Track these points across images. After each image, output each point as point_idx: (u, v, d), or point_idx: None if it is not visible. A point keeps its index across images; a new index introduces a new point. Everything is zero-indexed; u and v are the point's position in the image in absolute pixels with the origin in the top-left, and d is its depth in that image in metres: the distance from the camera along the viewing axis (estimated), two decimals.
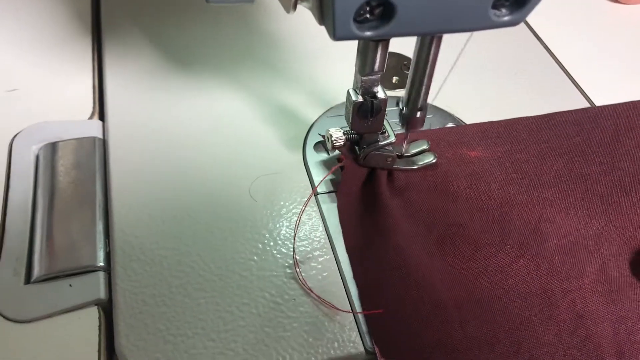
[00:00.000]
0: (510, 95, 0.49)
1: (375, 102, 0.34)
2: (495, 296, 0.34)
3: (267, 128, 0.43)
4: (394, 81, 0.49)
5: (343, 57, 0.48)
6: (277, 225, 0.37)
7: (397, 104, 0.36)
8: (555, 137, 0.42)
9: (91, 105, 0.44)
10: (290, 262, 0.35)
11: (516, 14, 0.28)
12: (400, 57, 0.50)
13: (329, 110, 0.45)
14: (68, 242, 0.35)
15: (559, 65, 0.52)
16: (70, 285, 0.33)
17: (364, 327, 0.33)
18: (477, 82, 0.49)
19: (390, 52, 0.31)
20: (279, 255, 0.36)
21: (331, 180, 0.40)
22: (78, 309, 0.33)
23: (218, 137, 0.42)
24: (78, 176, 0.39)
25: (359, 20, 0.26)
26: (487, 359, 0.32)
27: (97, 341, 0.32)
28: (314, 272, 0.35)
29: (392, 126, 0.37)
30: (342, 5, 0.25)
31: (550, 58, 0.53)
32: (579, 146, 0.41)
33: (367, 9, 0.26)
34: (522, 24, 0.49)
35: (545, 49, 0.54)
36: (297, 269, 0.35)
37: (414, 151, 0.40)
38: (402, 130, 0.37)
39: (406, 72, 0.49)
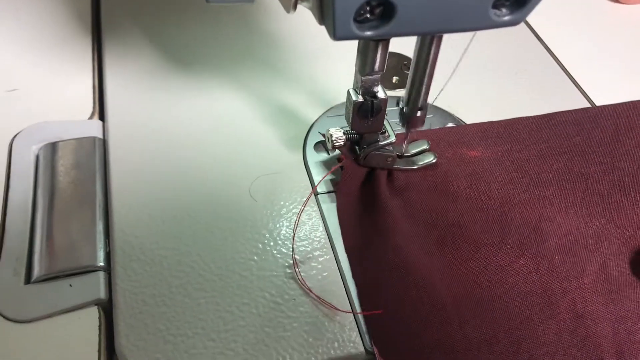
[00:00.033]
0: (511, 95, 0.49)
1: (375, 102, 0.34)
2: (495, 295, 0.34)
3: (267, 128, 0.43)
4: (394, 81, 0.49)
5: (343, 57, 0.48)
6: (277, 225, 0.37)
7: (398, 104, 0.36)
8: (555, 136, 0.42)
9: (91, 105, 0.44)
10: (291, 262, 0.35)
11: (516, 14, 0.27)
12: (400, 57, 0.50)
13: (329, 110, 0.45)
14: (68, 242, 0.35)
15: (559, 65, 0.52)
16: (70, 285, 0.33)
17: (364, 327, 0.33)
18: (477, 82, 0.49)
19: (390, 52, 0.31)
20: (279, 255, 0.36)
21: (331, 180, 0.40)
22: (78, 309, 0.33)
23: (218, 137, 0.42)
24: (78, 176, 0.39)
25: (359, 20, 0.26)
26: (487, 359, 0.32)
27: (97, 341, 0.31)
28: (314, 272, 0.35)
29: (392, 126, 0.37)
30: (342, 5, 0.24)
31: (551, 58, 0.53)
32: (579, 146, 0.41)
33: (367, 8, 0.26)
34: (523, 24, 0.49)
35: (546, 48, 0.54)
36: (297, 269, 0.35)
37: (414, 151, 0.40)
38: (403, 130, 0.37)
39: (406, 72, 0.49)
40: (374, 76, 0.33)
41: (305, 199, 0.39)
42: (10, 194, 0.37)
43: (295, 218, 0.38)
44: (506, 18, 0.28)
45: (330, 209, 0.38)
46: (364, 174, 0.38)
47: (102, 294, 0.33)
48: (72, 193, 0.38)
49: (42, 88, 0.45)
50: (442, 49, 0.32)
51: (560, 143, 0.42)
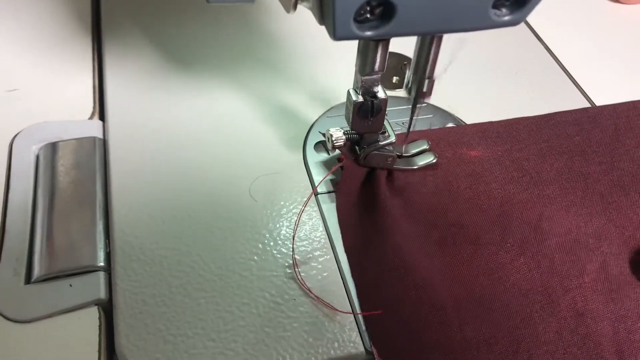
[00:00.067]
0: (511, 95, 0.49)
1: (375, 101, 0.34)
2: (495, 294, 0.34)
3: (267, 128, 0.43)
4: (394, 81, 0.49)
5: (343, 57, 0.48)
6: (277, 225, 0.37)
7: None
8: (555, 136, 0.42)
9: (91, 105, 0.44)
10: (291, 262, 0.35)
11: (516, 14, 0.27)
12: (400, 57, 0.50)
13: (329, 110, 0.45)
14: (68, 242, 0.35)
15: (559, 65, 0.52)
16: (70, 285, 0.33)
17: (364, 327, 0.33)
18: (477, 82, 0.49)
19: (390, 52, 0.31)
20: (279, 255, 0.36)
21: (331, 180, 0.40)
22: (78, 309, 0.33)
23: (218, 137, 0.42)
24: (78, 176, 0.39)
25: (359, 20, 0.26)
26: (486, 359, 0.32)
27: (97, 341, 0.31)
28: (314, 272, 0.35)
29: (393, 126, 0.37)
30: (342, 5, 0.25)
31: (551, 58, 0.53)
32: (578, 146, 0.41)
33: (367, 8, 0.26)
34: (523, 24, 0.49)
35: (546, 48, 0.54)
36: (297, 270, 0.35)
37: (414, 151, 0.40)
38: (403, 130, 0.37)
39: (406, 72, 0.49)
40: (374, 76, 0.33)
41: (305, 199, 0.39)
42: (10, 194, 0.37)
43: (295, 218, 0.38)
44: (506, 18, 0.28)
45: (330, 209, 0.38)
46: (364, 174, 0.38)
47: (102, 294, 0.33)
48: (72, 193, 0.38)
49: (42, 88, 0.45)
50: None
51: (560, 143, 0.42)
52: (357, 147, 0.37)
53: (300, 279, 0.35)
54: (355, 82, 0.34)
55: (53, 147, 0.40)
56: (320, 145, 0.42)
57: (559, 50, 0.53)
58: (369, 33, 0.26)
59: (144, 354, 0.31)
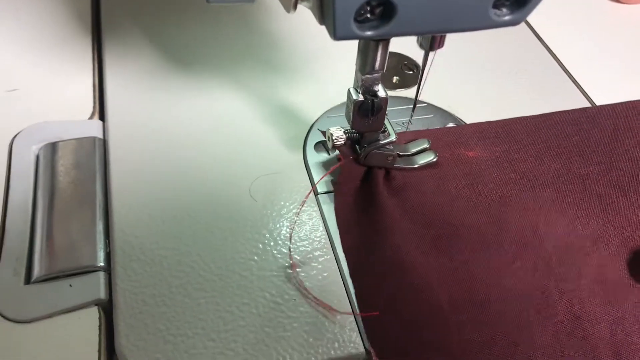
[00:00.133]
0: (511, 95, 0.49)
1: (376, 100, 0.34)
2: (492, 297, 0.34)
3: (267, 128, 0.43)
4: (394, 81, 0.49)
5: (343, 57, 0.48)
6: (277, 225, 0.37)
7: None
8: (554, 136, 0.42)
9: (91, 105, 0.44)
10: (292, 261, 0.35)
11: (517, 14, 0.27)
12: (400, 57, 0.50)
13: (329, 110, 0.45)
14: (68, 242, 0.35)
15: (559, 65, 0.52)
16: (70, 286, 0.33)
17: (363, 327, 0.33)
18: (477, 82, 0.49)
19: (390, 52, 0.31)
20: (279, 255, 0.36)
21: (332, 180, 0.40)
22: (78, 309, 0.33)
23: (218, 137, 0.42)
24: (78, 176, 0.39)
25: (360, 20, 0.26)
26: None
27: (97, 341, 0.31)
28: (314, 272, 0.35)
29: (393, 125, 0.37)
30: (342, 5, 0.24)
31: (551, 58, 0.53)
32: (577, 146, 0.41)
33: (368, 8, 0.25)
34: (523, 24, 0.49)
35: (546, 48, 0.54)
36: (294, 271, 0.35)
37: (414, 150, 0.40)
38: (403, 129, 0.37)
39: (406, 71, 0.49)
40: (375, 75, 0.33)
41: (304, 199, 0.39)
42: (10, 194, 0.37)
43: (295, 218, 0.38)
44: (506, 18, 0.28)
45: (330, 209, 0.38)
46: (362, 174, 0.38)
47: (102, 294, 0.33)
48: (72, 193, 0.38)
49: (42, 88, 0.45)
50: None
51: (559, 143, 0.41)
52: (357, 146, 0.37)
53: (298, 280, 0.34)
54: (356, 81, 0.34)
55: (53, 147, 0.40)
56: (320, 145, 0.42)
57: (559, 50, 0.53)
58: (369, 33, 0.26)
59: (144, 354, 0.31)
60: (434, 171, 0.39)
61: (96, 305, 0.33)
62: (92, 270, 0.34)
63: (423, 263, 0.34)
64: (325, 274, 0.35)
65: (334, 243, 0.37)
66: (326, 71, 0.48)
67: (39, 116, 0.42)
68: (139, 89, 0.45)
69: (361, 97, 0.34)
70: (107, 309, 0.34)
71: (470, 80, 0.49)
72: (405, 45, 0.51)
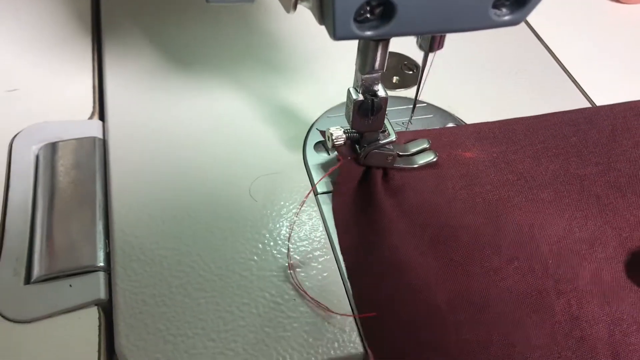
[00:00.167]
0: (511, 95, 0.49)
1: (375, 100, 0.34)
2: (489, 298, 0.33)
3: (267, 128, 0.43)
4: (394, 81, 0.49)
5: (343, 57, 0.48)
6: (277, 225, 0.37)
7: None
8: (552, 137, 0.42)
9: (91, 105, 0.44)
10: (291, 262, 0.35)
11: (517, 14, 0.27)
12: (400, 57, 0.50)
13: (329, 110, 0.45)
14: (68, 242, 0.35)
15: (559, 65, 0.52)
16: (70, 286, 0.33)
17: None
18: (477, 82, 0.49)
19: (390, 52, 0.31)
20: (279, 255, 0.36)
21: (332, 180, 0.40)
22: (78, 309, 0.33)
23: (218, 137, 0.42)
24: (78, 176, 0.39)
25: (359, 20, 0.26)
26: None
27: (97, 341, 0.31)
28: (314, 272, 0.35)
29: (393, 125, 0.37)
30: (342, 5, 0.24)
31: (551, 58, 0.53)
32: (575, 146, 0.41)
33: (367, 8, 0.25)
34: (523, 24, 0.49)
35: (546, 48, 0.54)
36: (292, 272, 0.35)
37: (414, 150, 0.40)
38: (403, 128, 0.37)
39: (406, 71, 0.49)
40: (374, 75, 0.33)
41: (304, 199, 0.39)
42: (10, 194, 0.37)
43: (295, 218, 0.38)
44: (506, 18, 0.28)
45: (330, 209, 0.38)
46: (360, 174, 0.38)
47: (102, 294, 0.33)
48: (72, 193, 0.38)
49: (42, 88, 0.45)
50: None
51: (557, 144, 0.41)
52: (357, 146, 0.37)
53: (296, 282, 0.34)
54: (356, 80, 0.34)
55: (53, 147, 0.40)
56: (320, 146, 0.42)
57: (559, 50, 0.53)
58: (369, 33, 0.26)
59: (144, 354, 0.31)
60: (432, 172, 0.39)
61: (96, 305, 0.33)
62: (92, 270, 0.34)
63: (421, 263, 0.34)
64: (325, 274, 0.35)
65: (333, 243, 0.37)
66: (326, 71, 0.48)
67: (39, 116, 0.42)
68: (139, 89, 0.45)
69: (361, 97, 0.34)
70: (107, 309, 0.34)
71: (470, 80, 0.49)
72: (405, 45, 0.51)
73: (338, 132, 0.36)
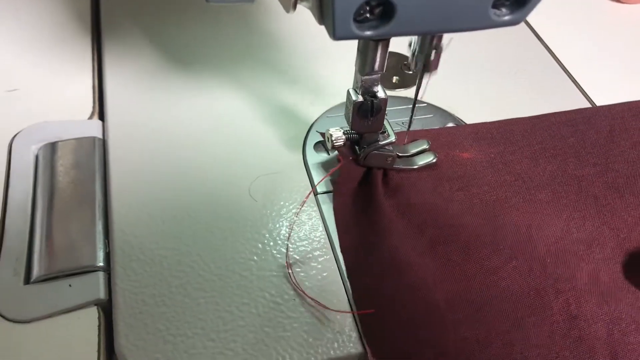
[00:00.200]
0: (510, 95, 0.49)
1: (375, 101, 0.34)
2: (488, 297, 0.33)
3: (267, 128, 0.43)
4: (394, 81, 0.49)
5: (343, 57, 0.48)
6: (277, 225, 0.37)
7: (410, 45, 0.34)
8: (550, 137, 0.42)
9: (91, 105, 0.44)
10: (291, 261, 0.35)
11: (516, 14, 0.27)
12: (400, 57, 0.50)
13: (329, 110, 0.45)
14: (68, 242, 0.35)
15: (559, 65, 0.52)
16: (70, 286, 0.33)
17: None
18: (477, 82, 0.49)
19: (390, 52, 0.31)
20: (278, 255, 0.36)
21: (332, 180, 0.40)
22: (78, 309, 0.33)
23: (218, 137, 0.42)
24: (78, 176, 0.39)
25: (359, 19, 0.26)
26: None
27: (97, 341, 0.31)
28: (314, 272, 0.35)
29: (392, 126, 0.37)
30: (342, 5, 0.24)
31: (551, 58, 0.53)
32: (573, 147, 0.41)
33: (367, 8, 0.26)
34: (523, 24, 0.49)
35: (546, 48, 0.54)
36: (291, 271, 0.35)
37: (413, 151, 0.40)
38: (404, 128, 0.37)
39: (406, 71, 0.49)
40: (374, 76, 0.33)
41: (304, 199, 0.39)
42: (10, 193, 0.37)
43: (295, 218, 0.38)
44: (506, 18, 0.28)
45: (330, 209, 0.38)
46: (361, 174, 0.38)
47: (101, 294, 0.33)
48: (71, 193, 0.38)
49: (42, 88, 0.45)
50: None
51: (555, 144, 0.41)
52: (357, 147, 0.37)
53: (294, 282, 0.34)
54: (355, 81, 0.34)
55: (52, 147, 0.40)
56: (320, 146, 0.42)
57: (559, 50, 0.53)
58: (368, 33, 0.26)
59: (144, 354, 0.31)
60: (430, 172, 0.39)
61: (96, 305, 0.33)
62: (91, 270, 0.34)
63: (420, 263, 0.34)
64: (324, 274, 0.35)
65: (333, 243, 0.37)
66: (326, 71, 0.48)
67: (38, 116, 0.42)
68: (138, 89, 0.45)
69: (360, 98, 0.34)
70: (106, 309, 0.34)
71: (470, 80, 0.49)
72: (405, 45, 0.50)
73: (338, 133, 0.36)
